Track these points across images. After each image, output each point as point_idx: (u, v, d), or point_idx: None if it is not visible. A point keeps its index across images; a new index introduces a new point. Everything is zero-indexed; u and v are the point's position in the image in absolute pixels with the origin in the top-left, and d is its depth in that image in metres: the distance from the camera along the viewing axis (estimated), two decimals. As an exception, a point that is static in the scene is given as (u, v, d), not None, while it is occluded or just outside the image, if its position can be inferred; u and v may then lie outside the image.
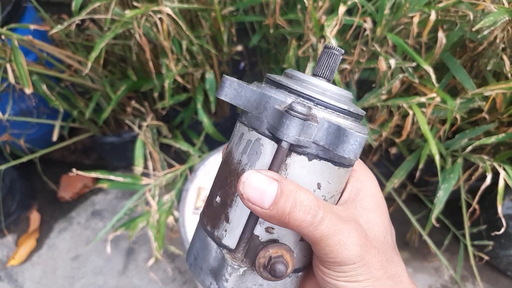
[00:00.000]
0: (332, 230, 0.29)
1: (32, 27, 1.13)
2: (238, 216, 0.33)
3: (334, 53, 0.34)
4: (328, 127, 0.30)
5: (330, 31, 0.88)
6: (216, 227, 0.34)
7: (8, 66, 1.06)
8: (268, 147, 0.31)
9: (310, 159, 0.31)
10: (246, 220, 0.33)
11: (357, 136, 0.29)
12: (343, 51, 0.34)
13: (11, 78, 1.06)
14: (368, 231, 0.33)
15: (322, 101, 0.32)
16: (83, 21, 1.26)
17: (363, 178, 0.37)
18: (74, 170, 0.99)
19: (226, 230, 0.33)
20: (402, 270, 0.33)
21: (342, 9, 0.88)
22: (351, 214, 0.33)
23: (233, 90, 0.33)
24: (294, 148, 0.31)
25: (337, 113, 0.32)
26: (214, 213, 0.34)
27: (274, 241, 0.33)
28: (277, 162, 0.31)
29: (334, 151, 0.30)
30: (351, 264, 0.30)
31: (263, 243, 0.33)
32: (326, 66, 0.34)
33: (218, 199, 0.34)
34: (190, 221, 0.99)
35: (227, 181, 0.33)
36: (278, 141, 0.31)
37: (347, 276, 0.30)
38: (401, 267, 0.33)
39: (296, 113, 0.29)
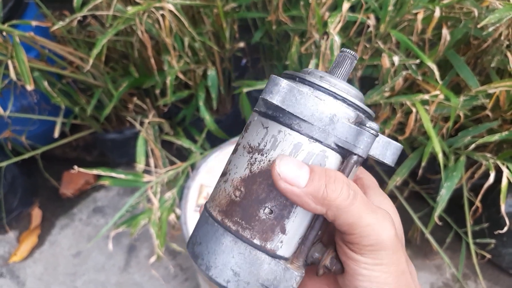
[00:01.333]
0: (368, 208, 0.30)
1: (34, 23, 1.13)
2: (296, 225, 0.34)
3: (350, 57, 0.36)
4: (382, 141, 0.34)
5: (334, 28, 0.87)
6: (269, 240, 0.33)
7: (9, 62, 1.05)
8: (333, 160, 0.33)
9: (356, 167, 0.34)
10: (306, 228, 0.34)
11: (399, 146, 0.35)
12: (357, 56, 0.36)
13: (13, 75, 1.05)
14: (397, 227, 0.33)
15: (363, 109, 0.34)
16: (85, 17, 1.25)
17: (367, 182, 0.37)
18: (75, 167, 0.98)
19: (282, 241, 0.34)
20: (413, 271, 0.33)
21: (346, 5, 0.87)
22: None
23: (292, 97, 0.32)
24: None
25: (368, 119, 0.34)
26: (264, 226, 0.33)
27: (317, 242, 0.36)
28: (347, 175, 0.33)
29: (382, 160, 0.34)
30: (388, 249, 0.30)
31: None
32: (345, 69, 0.36)
33: (267, 211, 0.33)
34: (192, 219, 0.99)
35: (274, 195, 0.33)
36: (346, 154, 0.33)
37: (382, 264, 0.30)
38: (412, 267, 0.33)
39: (371, 130, 0.32)
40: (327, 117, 0.32)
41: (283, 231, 0.33)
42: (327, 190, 0.30)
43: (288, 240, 0.34)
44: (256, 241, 0.33)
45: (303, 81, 0.34)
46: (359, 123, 0.32)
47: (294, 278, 0.34)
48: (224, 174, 0.36)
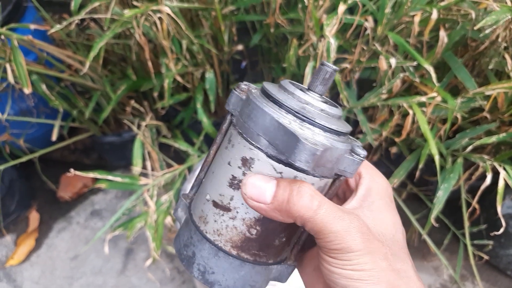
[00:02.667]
0: (333, 216, 0.31)
1: (32, 26, 1.13)
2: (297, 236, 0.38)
3: (329, 71, 0.35)
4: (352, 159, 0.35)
5: (330, 30, 0.87)
6: (280, 256, 0.38)
7: (7, 66, 1.05)
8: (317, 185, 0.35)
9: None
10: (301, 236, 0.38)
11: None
12: (337, 69, 0.35)
13: (11, 78, 1.05)
14: (374, 228, 0.34)
15: (324, 126, 0.33)
16: (83, 20, 1.25)
17: (371, 184, 0.37)
18: (72, 170, 0.98)
19: (288, 251, 0.39)
20: (408, 267, 0.34)
21: (341, 7, 0.88)
22: (354, 212, 0.34)
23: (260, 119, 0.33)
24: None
25: (336, 136, 0.34)
26: (278, 249, 0.37)
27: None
28: (331, 193, 0.37)
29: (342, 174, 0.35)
30: (356, 251, 0.31)
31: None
32: (322, 82, 0.35)
33: (283, 239, 0.36)
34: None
35: (287, 225, 0.35)
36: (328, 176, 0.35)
37: (352, 264, 0.31)
38: (407, 265, 0.34)
39: (360, 158, 0.34)
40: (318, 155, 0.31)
41: (290, 245, 0.38)
42: (289, 204, 0.31)
43: (291, 248, 0.39)
44: (271, 261, 0.37)
45: (264, 94, 0.35)
46: (354, 152, 0.34)
47: (292, 269, 0.39)
48: (226, 209, 0.35)
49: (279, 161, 0.32)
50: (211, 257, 0.36)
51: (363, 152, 0.34)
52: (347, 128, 0.35)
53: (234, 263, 0.35)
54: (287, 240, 0.37)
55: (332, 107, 0.35)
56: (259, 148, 0.33)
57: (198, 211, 0.37)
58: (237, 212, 0.34)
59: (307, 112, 0.32)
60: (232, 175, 0.34)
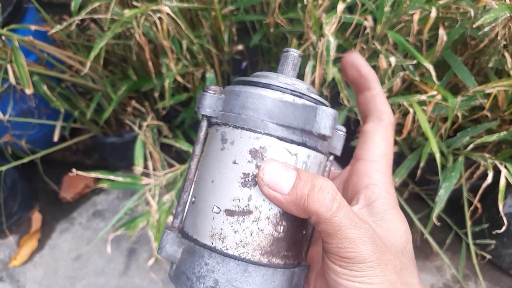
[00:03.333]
0: (350, 223, 0.29)
1: (33, 27, 1.13)
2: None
3: (296, 55, 0.36)
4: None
5: (329, 29, 0.87)
6: (302, 253, 0.36)
7: (8, 66, 1.06)
8: (323, 162, 0.35)
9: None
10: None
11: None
12: (301, 54, 0.37)
13: (12, 79, 1.06)
14: (386, 239, 0.32)
15: (319, 100, 0.34)
16: (83, 21, 1.26)
17: (381, 192, 0.36)
18: (74, 170, 0.99)
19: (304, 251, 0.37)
20: (416, 281, 0.32)
21: (340, 6, 0.88)
22: (366, 218, 0.33)
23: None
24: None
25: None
26: (301, 244, 0.35)
27: None
28: (328, 174, 0.37)
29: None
30: (368, 262, 0.29)
31: None
32: (293, 68, 0.36)
33: (304, 232, 0.35)
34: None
35: (302, 221, 0.34)
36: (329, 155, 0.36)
37: (362, 276, 0.29)
38: (415, 278, 0.32)
39: (343, 132, 0.36)
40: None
41: (307, 240, 0.36)
42: (308, 200, 0.29)
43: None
44: (297, 261, 0.34)
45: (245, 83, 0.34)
46: (340, 130, 0.36)
47: (306, 271, 0.36)
48: (246, 212, 0.31)
49: (292, 141, 0.31)
50: (239, 275, 0.30)
51: (342, 128, 0.36)
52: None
53: (267, 274, 0.31)
54: (306, 234, 0.35)
55: (311, 87, 0.35)
56: (268, 134, 0.30)
57: (207, 231, 0.32)
58: (260, 211, 0.31)
59: (300, 89, 0.32)
60: (243, 173, 0.31)
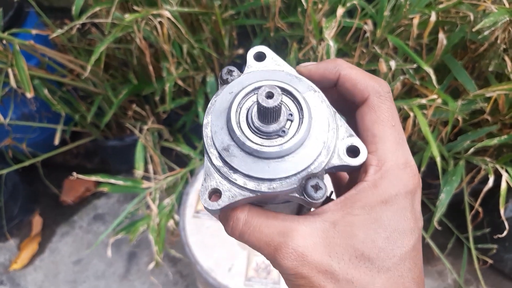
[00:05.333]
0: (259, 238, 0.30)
1: (34, 32, 1.14)
2: None
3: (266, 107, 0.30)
4: None
5: (329, 33, 0.88)
6: None
7: (9, 70, 1.06)
8: None
9: None
10: None
11: None
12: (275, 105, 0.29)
13: (13, 83, 1.06)
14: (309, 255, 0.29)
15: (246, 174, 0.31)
16: (84, 25, 1.26)
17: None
18: (74, 173, 0.99)
19: None
20: None
21: (340, 11, 0.88)
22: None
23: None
24: None
25: None
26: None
27: None
28: None
29: None
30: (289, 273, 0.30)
31: None
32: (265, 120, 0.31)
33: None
34: (191, 225, 0.99)
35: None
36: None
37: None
38: None
39: (314, 202, 0.30)
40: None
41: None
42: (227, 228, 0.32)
43: None
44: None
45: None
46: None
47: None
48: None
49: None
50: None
51: (317, 195, 0.29)
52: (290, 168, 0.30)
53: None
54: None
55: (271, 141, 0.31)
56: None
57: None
58: None
59: (232, 157, 0.30)
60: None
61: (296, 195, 0.30)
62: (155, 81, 1.22)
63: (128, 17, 0.98)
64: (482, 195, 0.99)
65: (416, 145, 1.15)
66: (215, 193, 0.30)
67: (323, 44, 0.92)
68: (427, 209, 1.30)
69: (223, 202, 0.29)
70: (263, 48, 0.35)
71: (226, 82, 0.33)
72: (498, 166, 0.97)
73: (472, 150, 1.01)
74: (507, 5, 0.84)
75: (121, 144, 1.54)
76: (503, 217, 0.97)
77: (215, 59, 1.26)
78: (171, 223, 1.10)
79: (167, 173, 1.19)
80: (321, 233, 0.29)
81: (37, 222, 1.59)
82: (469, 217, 1.10)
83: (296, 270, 0.28)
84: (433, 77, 0.90)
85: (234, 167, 0.30)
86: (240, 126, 0.30)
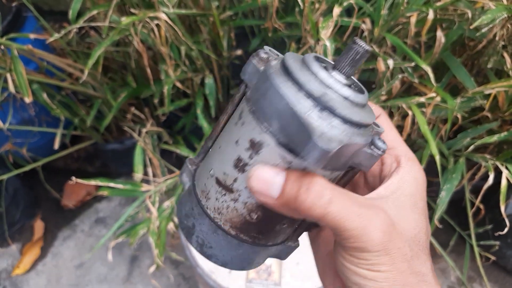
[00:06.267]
0: (347, 213, 0.28)
1: (32, 36, 1.14)
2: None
3: (360, 51, 0.30)
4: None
5: (325, 33, 0.87)
6: (281, 238, 0.37)
7: (8, 75, 1.06)
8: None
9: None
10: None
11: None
12: (370, 49, 0.30)
13: (11, 88, 1.06)
14: (397, 225, 0.31)
15: (345, 117, 0.29)
16: (83, 28, 1.26)
17: (407, 177, 0.34)
18: (73, 178, 0.99)
19: (289, 234, 0.38)
20: (427, 270, 0.32)
21: (336, 10, 0.88)
22: (379, 204, 0.31)
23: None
24: None
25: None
26: (279, 234, 0.36)
27: None
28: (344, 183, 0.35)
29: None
30: (373, 251, 0.28)
31: None
32: (350, 63, 0.30)
33: (284, 226, 0.35)
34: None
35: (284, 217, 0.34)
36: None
37: (368, 264, 0.29)
38: (426, 268, 0.32)
39: (379, 152, 0.31)
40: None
41: (292, 228, 0.37)
42: (297, 202, 0.28)
43: (294, 231, 0.38)
44: (270, 243, 0.36)
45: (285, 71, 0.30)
46: (376, 147, 0.31)
47: (293, 249, 0.39)
48: (229, 190, 0.32)
49: (289, 150, 0.29)
50: (210, 232, 0.34)
51: (383, 146, 0.30)
52: (371, 117, 0.31)
53: (232, 242, 0.34)
54: (289, 226, 0.35)
55: (358, 94, 0.30)
56: (270, 133, 0.29)
57: (201, 184, 0.34)
58: (239, 195, 0.32)
59: (329, 99, 0.28)
60: (239, 156, 0.31)
61: (366, 149, 0.31)
62: (154, 84, 1.22)
63: (125, 20, 0.98)
64: (482, 192, 0.99)
65: (416, 143, 1.15)
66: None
67: (321, 43, 0.92)
68: (428, 207, 1.30)
69: (340, 141, 0.27)
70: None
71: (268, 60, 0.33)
72: (498, 163, 0.97)
73: (472, 147, 1.00)
74: (505, 1, 0.83)
75: (121, 147, 1.54)
76: (504, 214, 0.96)
77: (213, 60, 1.26)
78: (171, 226, 1.10)
79: (166, 175, 1.19)
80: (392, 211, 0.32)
81: (38, 226, 1.59)
82: (470, 214, 1.09)
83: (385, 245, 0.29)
84: (432, 75, 0.89)
85: (336, 111, 0.28)
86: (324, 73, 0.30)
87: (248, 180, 0.30)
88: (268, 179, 0.29)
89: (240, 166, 0.31)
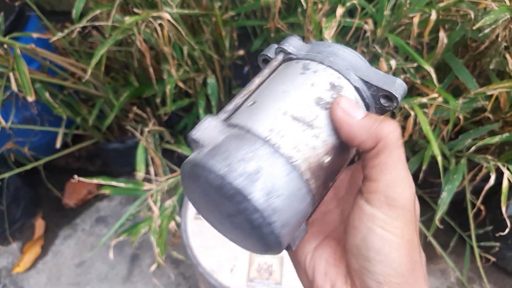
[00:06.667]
0: (404, 161, 0.30)
1: (35, 35, 1.14)
2: None
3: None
4: None
5: (328, 33, 0.88)
6: (318, 203, 0.35)
7: (11, 74, 1.06)
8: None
9: None
10: None
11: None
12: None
13: (14, 87, 1.06)
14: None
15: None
16: (85, 28, 1.27)
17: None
18: (75, 176, 0.99)
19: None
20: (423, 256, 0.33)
21: (339, 10, 0.88)
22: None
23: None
24: None
25: None
26: (323, 195, 0.35)
27: None
28: None
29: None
30: (406, 210, 0.29)
31: None
32: None
33: (331, 184, 0.35)
34: (192, 226, 0.99)
35: (341, 167, 0.35)
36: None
37: (398, 224, 0.29)
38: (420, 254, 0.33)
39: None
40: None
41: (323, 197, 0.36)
42: (380, 125, 0.30)
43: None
44: (318, 203, 0.34)
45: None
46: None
47: (303, 234, 0.35)
48: (310, 126, 0.32)
49: (361, 96, 0.34)
50: (282, 176, 0.29)
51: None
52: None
53: (302, 191, 0.30)
54: (330, 188, 0.36)
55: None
56: (348, 80, 0.34)
57: (266, 125, 0.31)
58: (320, 132, 0.32)
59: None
60: (318, 96, 0.33)
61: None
62: (156, 83, 1.23)
63: (128, 19, 0.98)
64: (483, 193, 0.99)
65: (417, 144, 1.15)
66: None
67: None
68: (429, 208, 1.30)
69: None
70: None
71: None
72: (499, 164, 0.97)
73: (473, 148, 1.00)
74: (507, 2, 0.84)
75: (123, 146, 1.54)
76: (505, 215, 0.97)
77: (215, 60, 1.27)
78: (172, 224, 1.10)
79: (168, 174, 1.19)
80: None
81: (39, 225, 1.59)
82: (471, 215, 1.09)
83: None
84: (434, 76, 0.90)
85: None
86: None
87: (336, 98, 0.32)
88: (355, 104, 0.32)
89: (322, 104, 0.33)
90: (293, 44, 0.37)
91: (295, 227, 0.31)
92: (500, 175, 0.98)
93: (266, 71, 0.37)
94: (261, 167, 0.29)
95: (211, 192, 0.30)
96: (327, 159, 0.32)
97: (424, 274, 0.32)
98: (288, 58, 0.37)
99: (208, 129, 0.32)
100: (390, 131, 0.29)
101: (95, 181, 1.04)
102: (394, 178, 0.29)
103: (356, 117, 0.31)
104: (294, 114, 0.31)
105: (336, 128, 0.32)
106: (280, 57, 0.37)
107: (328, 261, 0.34)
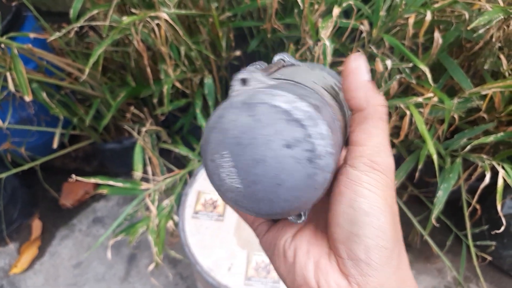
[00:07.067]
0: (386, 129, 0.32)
1: (32, 35, 1.14)
2: None
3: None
4: None
5: (325, 33, 0.88)
6: None
7: (8, 74, 1.06)
8: None
9: None
10: None
11: None
12: None
13: (11, 87, 1.07)
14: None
15: None
16: (82, 28, 1.27)
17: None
18: (73, 176, 0.99)
19: None
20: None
21: (336, 11, 0.89)
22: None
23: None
24: None
25: None
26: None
27: None
28: None
29: None
30: (389, 176, 0.30)
31: None
32: None
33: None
34: (190, 225, 1.00)
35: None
36: None
37: (381, 188, 0.29)
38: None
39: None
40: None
41: None
42: (377, 94, 0.32)
43: None
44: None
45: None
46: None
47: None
48: (335, 96, 0.36)
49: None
50: (332, 119, 0.32)
51: None
52: None
53: (340, 140, 0.34)
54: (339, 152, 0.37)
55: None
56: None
57: (308, 83, 0.35)
58: (336, 104, 0.36)
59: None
60: (334, 83, 0.39)
61: None
62: (153, 84, 1.23)
63: (125, 19, 0.99)
64: (479, 192, 1.00)
65: (413, 143, 1.16)
66: None
67: (320, 44, 0.93)
68: (425, 207, 1.31)
69: None
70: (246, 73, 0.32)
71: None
72: (494, 163, 0.98)
73: (468, 147, 1.01)
74: (501, 3, 0.85)
75: (120, 146, 1.54)
76: (501, 214, 0.98)
77: (212, 61, 1.27)
78: (170, 224, 1.10)
79: (165, 174, 1.19)
80: None
81: (36, 225, 1.59)
82: (467, 215, 1.10)
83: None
84: (429, 76, 0.90)
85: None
86: None
87: (352, 57, 0.33)
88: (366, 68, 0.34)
89: (336, 89, 0.37)
90: (287, 57, 0.40)
91: (334, 170, 0.31)
92: (495, 174, 0.99)
93: (273, 69, 0.38)
94: (319, 105, 0.29)
95: (257, 126, 0.28)
96: (337, 124, 0.33)
97: (405, 253, 0.32)
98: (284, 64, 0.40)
99: (255, 73, 0.31)
100: (381, 103, 0.32)
101: (93, 180, 1.04)
102: (379, 144, 0.30)
103: (364, 77, 0.32)
104: (324, 87, 0.35)
105: (343, 78, 0.33)
106: (280, 62, 0.39)
107: (310, 241, 0.34)
